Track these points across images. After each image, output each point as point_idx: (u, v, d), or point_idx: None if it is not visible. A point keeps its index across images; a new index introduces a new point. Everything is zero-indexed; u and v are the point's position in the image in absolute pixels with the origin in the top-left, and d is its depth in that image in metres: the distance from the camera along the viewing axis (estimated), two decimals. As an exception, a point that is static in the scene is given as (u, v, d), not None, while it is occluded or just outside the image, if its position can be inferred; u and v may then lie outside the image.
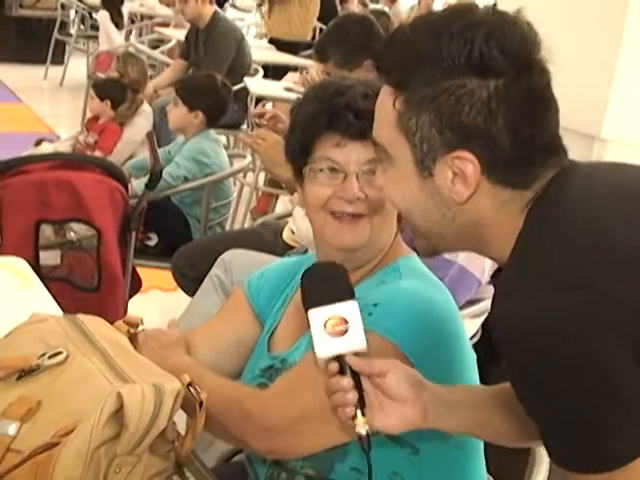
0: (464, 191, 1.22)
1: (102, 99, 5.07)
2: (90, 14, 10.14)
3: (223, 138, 6.33)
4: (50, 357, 1.45)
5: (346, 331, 1.28)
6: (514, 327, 1.12)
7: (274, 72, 6.92)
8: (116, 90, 5.14)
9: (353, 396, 1.28)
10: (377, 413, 1.31)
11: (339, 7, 9.75)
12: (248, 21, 10.03)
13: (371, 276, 1.63)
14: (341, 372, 1.29)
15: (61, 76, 9.40)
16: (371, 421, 1.30)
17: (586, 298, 1.10)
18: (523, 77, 1.19)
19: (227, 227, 4.45)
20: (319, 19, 7.89)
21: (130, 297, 3.02)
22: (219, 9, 6.87)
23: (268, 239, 3.32)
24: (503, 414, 1.40)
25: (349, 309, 1.29)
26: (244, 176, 5.03)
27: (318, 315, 1.29)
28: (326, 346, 1.28)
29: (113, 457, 1.29)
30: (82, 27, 10.14)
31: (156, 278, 4.10)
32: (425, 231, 1.30)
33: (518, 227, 1.22)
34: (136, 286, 3.09)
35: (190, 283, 3.27)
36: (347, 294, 1.30)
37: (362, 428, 1.28)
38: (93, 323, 1.54)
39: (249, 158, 3.86)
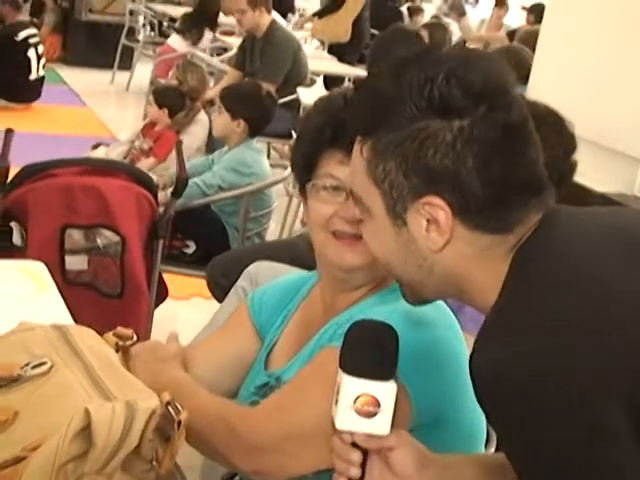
0: (438, 239, 1.17)
1: (160, 106, 5.10)
2: (160, 22, 10.27)
3: (277, 146, 6.32)
4: (34, 367, 1.42)
5: (375, 414, 1.19)
6: (497, 376, 1.07)
7: (333, 83, 6.91)
8: (175, 98, 5.17)
9: (357, 472, 1.22)
10: None
11: (408, 19, 9.71)
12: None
13: (371, 296, 1.58)
14: (353, 444, 1.22)
15: (127, 81, 9.51)
16: None
17: (571, 345, 1.04)
18: (491, 114, 1.13)
19: (277, 237, 4.42)
20: (377, 28, 7.86)
21: (156, 306, 3.00)
22: (281, 19, 6.88)
23: (304, 251, 3.26)
24: None
25: (387, 392, 1.19)
26: (294, 186, 4.99)
27: (353, 385, 1.19)
28: (349, 421, 1.20)
29: (81, 475, 1.25)
30: (152, 33, 10.26)
31: (198, 286, 4.08)
32: (406, 281, 1.26)
33: (502, 274, 1.15)
34: (162, 295, 3.07)
35: (223, 292, 3.24)
36: (391, 371, 1.21)
37: None
38: (81, 334, 1.51)
39: (290, 169, 3.81)
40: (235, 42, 7.70)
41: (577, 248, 1.14)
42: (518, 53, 5.05)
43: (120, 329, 1.60)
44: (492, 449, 1.69)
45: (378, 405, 1.19)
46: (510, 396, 1.06)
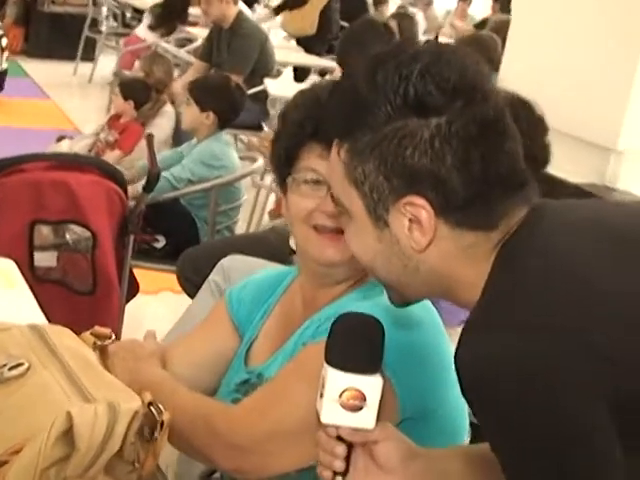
0: (421, 239, 1.15)
1: (126, 98, 5.07)
2: (124, 13, 10.16)
3: (244, 138, 6.29)
4: (11, 369, 1.39)
5: (360, 408, 1.18)
6: (481, 373, 1.06)
7: (302, 74, 6.89)
8: (140, 90, 5.15)
9: (341, 465, 1.21)
10: (359, 477, 1.23)
11: (373, 9, 9.70)
12: (278, 21, 9.98)
13: (352, 291, 1.57)
14: (338, 438, 1.21)
15: (90, 73, 9.40)
16: None
17: (556, 343, 1.03)
18: (468, 110, 1.12)
19: (244, 230, 4.39)
20: (344, 19, 7.86)
21: (127, 301, 2.97)
22: (247, 9, 6.83)
23: (276, 245, 3.25)
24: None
25: (372, 386, 1.18)
26: (261, 178, 4.96)
27: (339, 379, 1.18)
28: (334, 415, 1.19)
29: (64, 479, 1.23)
30: (115, 24, 10.15)
31: (167, 280, 4.05)
32: (392, 283, 1.24)
33: (486, 272, 1.14)
34: (133, 290, 3.04)
35: (194, 288, 3.21)
36: (377, 364, 1.20)
37: None
38: (58, 334, 1.48)
39: (261, 161, 3.79)
40: (200, 33, 7.64)
41: (561, 244, 1.13)
42: (486, 42, 5.06)
43: (98, 328, 1.58)
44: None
45: (364, 399, 1.18)
46: (496, 393, 1.06)
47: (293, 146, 1.53)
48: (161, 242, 3.55)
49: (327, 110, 1.25)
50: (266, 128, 5.60)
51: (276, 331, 1.65)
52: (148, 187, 2.87)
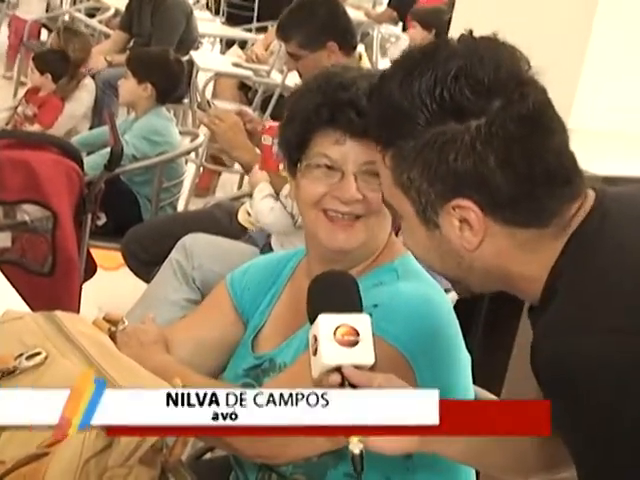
0: (473, 238, 1.16)
1: (42, 72, 4.92)
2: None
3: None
4: (28, 358, 1.36)
5: (356, 343, 1.20)
6: (565, 367, 1.06)
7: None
8: (57, 63, 5.00)
9: None
10: None
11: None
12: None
13: (365, 275, 1.55)
14: (341, 385, 1.21)
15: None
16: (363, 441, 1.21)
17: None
18: (506, 109, 1.11)
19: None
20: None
21: (85, 281, 2.91)
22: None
23: (223, 221, 3.23)
24: (502, 447, 1.34)
25: (362, 322, 1.21)
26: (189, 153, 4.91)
27: (329, 321, 1.20)
28: (333, 354, 1.20)
29: (104, 469, 1.22)
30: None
31: (98, 256, 3.98)
32: (451, 276, 1.26)
33: (547, 265, 1.15)
34: (91, 270, 2.98)
35: (142, 266, 3.18)
36: (358, 305, 1.24)
37: (356, 447, 1.18)
38: (72, 321, 1.46)
39: (202, 137, 3.75)
40: (109, 1, 7.44)
41: (633, 240, 1.14)
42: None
43: (110, 313, 1.56)
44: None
45: (357, 334, 1.21)
46: (593, 395, 1.06)
47: (306, 131, 1.51)
48: (102, 219, 3.48)
49: (368, 116, 1.26)
50: (214, 104, 5.47)
51: (286, 316, 1.63)
52: (111, 165, 2.81)
